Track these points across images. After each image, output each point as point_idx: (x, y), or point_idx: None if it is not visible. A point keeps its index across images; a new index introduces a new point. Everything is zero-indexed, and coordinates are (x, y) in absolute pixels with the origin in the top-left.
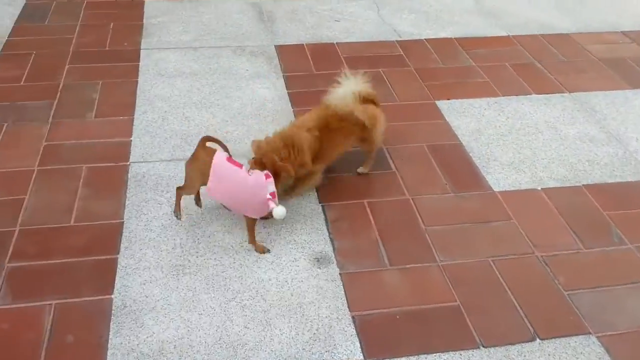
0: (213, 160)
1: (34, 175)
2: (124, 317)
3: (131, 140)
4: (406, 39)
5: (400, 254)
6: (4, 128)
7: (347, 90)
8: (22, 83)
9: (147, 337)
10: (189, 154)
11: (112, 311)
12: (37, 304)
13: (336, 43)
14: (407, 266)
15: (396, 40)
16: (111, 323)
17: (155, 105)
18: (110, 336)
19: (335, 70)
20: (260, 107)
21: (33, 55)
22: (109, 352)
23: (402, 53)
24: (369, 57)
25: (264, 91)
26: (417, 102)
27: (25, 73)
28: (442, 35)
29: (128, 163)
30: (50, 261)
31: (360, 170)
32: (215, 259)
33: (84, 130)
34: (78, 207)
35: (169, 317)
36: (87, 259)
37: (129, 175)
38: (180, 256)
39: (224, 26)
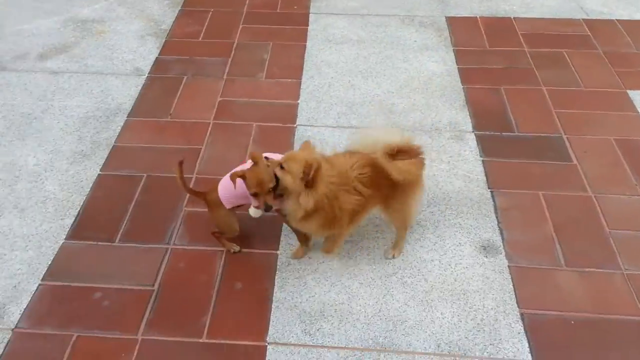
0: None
1: (209, 128)
2: (288, 273)
3: (298, 104)
4: (594, 17)
5: (579, 255)
6: (184, 80)
7: (379, 136)
8: (200, 39)
9: (310, 296)
10: (354, 122)
11: (277, 266)
12: (211, 248)
13: (513, 18)
14: (586, 269)
15: (582, 19)
16: (276, 277)
17: (322, 70)
18: (275, 290)
19: (512, 48)
20: (428, 81)
21: (210, 13)
22: (274, 305)
23: (589, 33)
24: (550, 35)
25: (432, 65)
26: (605, 90)
27: (203, 30)
28: (638, 17)
29: (295, 125)
30: None
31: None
32: (376, 232)
33: (255, 90)
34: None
35: (330, 281)
36: None
37: (295, 137)
38: None
39: None
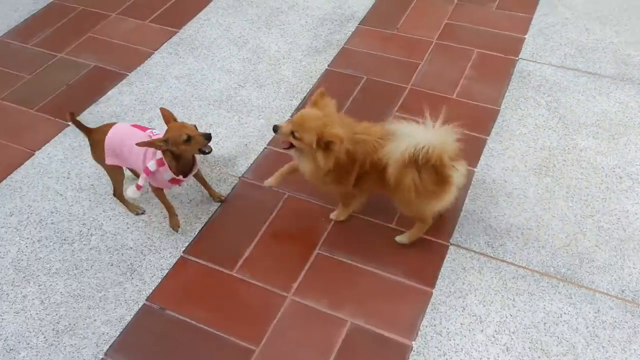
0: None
1: (431, 47)
2: (481, 190)
3: (525, 38)
4: None
5: None
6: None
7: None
8: None
9: (498, 215)
10: (581, 66)
11: (472, 182)
12: None
13: None
14: None
15: None
16: (469, 191)
17: (558, 9)
18: (466, 201)
19: None
20: None
21: None
22: (462, 214)
23: None
24: None
25: None
26: None
27: None
28: None
29: (516, 58)
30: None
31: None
32: (582, 173)
33: (483, 18)
34: (462, 85)
35: (522, 207)
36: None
37: (515, 69)
38: (547, 158)
39: None
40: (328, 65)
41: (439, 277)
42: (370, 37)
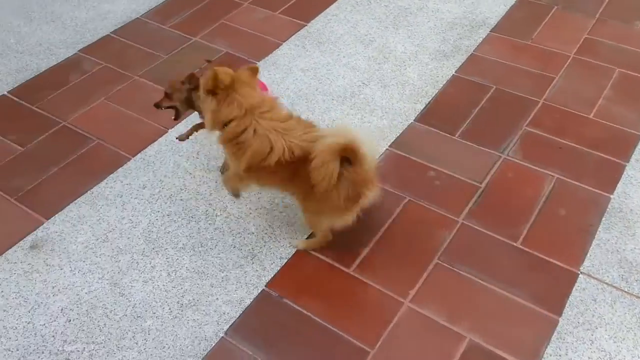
0: None
1: (568, 61)
2: (618, 219)
3: None
4: None
5: None
6: (553, 10)
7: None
8: None
9: (635, 247)
10: None
11: (607, 209)
12: (541, 170)
13: None
14: None
15: None
16: (603, 218)
17: None
18: (600, 229)
19: None
20: None
21: None
22: (594, 242)
23: None
24: None
25: None
26: None
27: None
28: None
29: None
30: (562, 140)
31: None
32: None
33: (627, 36)
34: (600, 104)
35: None
36: (594, 153)
37: None
38: None
39: None
40: (455, 71)
41: (567, 305)
42: (502, 46)
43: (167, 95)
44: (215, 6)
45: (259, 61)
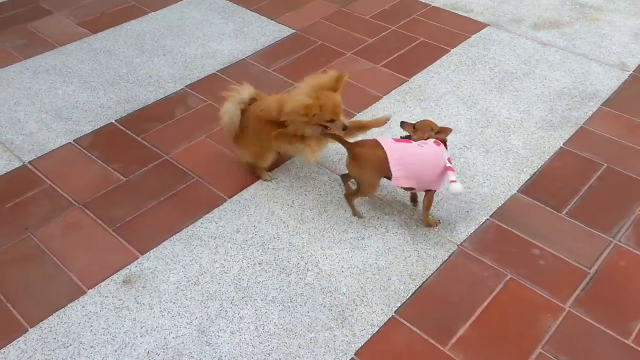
0: (386, 150)
1: None
2: None
3: None
4: None
5: None
6: None
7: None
8: None
9: None
10: None
11: None
12: None
13: None
14: None
15: None
16: None
17: None
18: None
19: None
20: None
21: None
22: None
23: None
24: None
25: None
26: None
27: None
28: None
29: None
30: None
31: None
32: None
33: None
34: None
35: None
36: None
37: None
38: None
39: None
40: (563, 144)
41: None
42: (615, 122)
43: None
44: (319, 53)
45: (358, 113)
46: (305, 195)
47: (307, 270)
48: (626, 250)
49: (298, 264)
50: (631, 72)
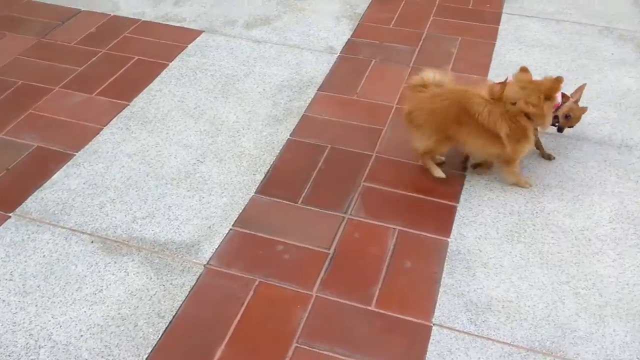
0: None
1: (392, 112)
2: (458, 262)
3: None
4: None
5: None
6: (372, 63)
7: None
8: (391, 26)
9: (477, 288)
10: None
11: (447, 253)
12: (383, 224)
13: None
14: None
15: None
16: (445, 263)
17: (509, 71)
18: (444, 275)
19: None
20: (622, 96)
21: (403, 2)
22: (441, 289)
23: None
24: None
25: (628, 80)
26: None
27: (395, 17)
28: None
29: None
30: (398, 191)
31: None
32: (552, 237)
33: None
34: None
35: (499, 277)
36: (429, 199)
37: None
38: (517, 224)
39: (593, 3)
40: (290, 135)
41: None
42: (331, 104)
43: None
44: (20, 95)
45: (77, 152)
46: (26, 262)
47: (40, 347)
48: (357, 222)
49: (27, 344)
50: (338, 54)
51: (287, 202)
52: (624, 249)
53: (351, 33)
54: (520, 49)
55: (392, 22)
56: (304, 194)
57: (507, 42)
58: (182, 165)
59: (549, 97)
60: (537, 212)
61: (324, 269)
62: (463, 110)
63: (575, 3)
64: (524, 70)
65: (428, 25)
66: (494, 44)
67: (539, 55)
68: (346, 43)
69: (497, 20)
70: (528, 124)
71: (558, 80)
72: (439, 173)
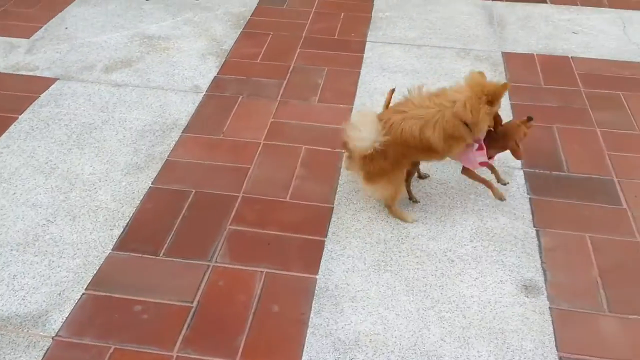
0: None
1: (259, 148)
2: (326, 299)
3: None
4: None
5: (623, 302)
6: (239, 100)
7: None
8: (258, 60)
9: (345, 324)
10: None
11: (316, 291)
12: (251, 268)
13: (571, 57)
14: (630, 317)
15: None
16: (313, 302)
17: (374, 97)
18: (312, 315)
19: (568, 87)
20: None
21: (270, 35)
22: (309, 330)
23: None
24: (607, 77)
25: None
26: None
27: (262, 52)
28: None
29: (343, 150)
30: (266, 231)
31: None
32: (417, 262)
33: (306, 113)
34: (294, 185)
35: (367, 310)
36: (297, 236)
37: (343, 163)
38: (383, 252)
39: (451, 27)
40: (152, 183)
41: None
42: (196, 146)
43: None
44: None
45: None
46: None
47: None
48: (223, 269)
49: None
50: (204, 92)
51: (148, 256)
52: (485, 266)
53: (217, 70)
54: (384, 76)
55: (259, 57)
56: (165, 245)
57: (371, 70)
58: (30, 228)
59: (491, 102)
60: (402, 238)
61: (186, 325)
62: (404, 144)
63: (434, 28)
64: (480, 73)
65: (295, 58)
66: (359, 72)
67: (402, 80)
68: (212, 81)
69: (362, 49)
70: (462, 129)
71: (504, 86)
72: (412, 218)
